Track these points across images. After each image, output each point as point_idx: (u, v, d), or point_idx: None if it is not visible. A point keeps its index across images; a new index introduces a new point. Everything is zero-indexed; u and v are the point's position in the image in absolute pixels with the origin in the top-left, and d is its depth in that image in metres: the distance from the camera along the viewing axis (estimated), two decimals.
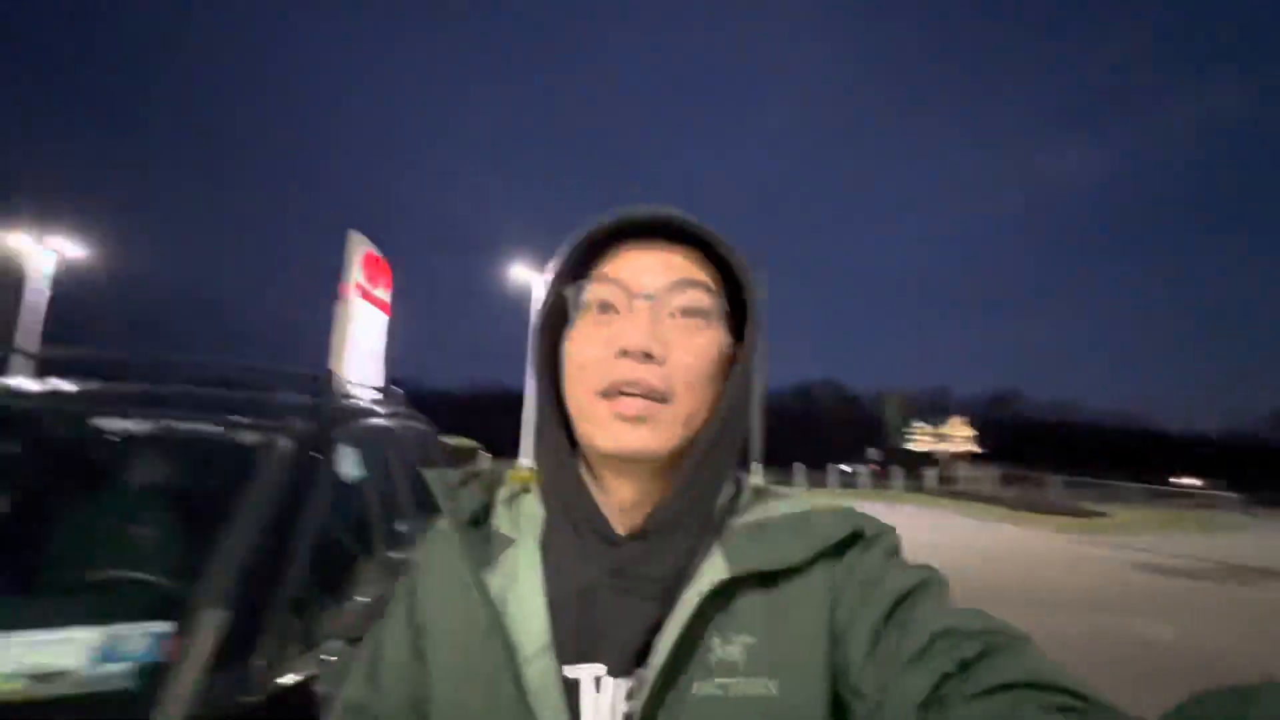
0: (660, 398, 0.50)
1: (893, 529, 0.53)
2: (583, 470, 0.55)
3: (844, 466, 34.52)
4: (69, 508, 1.46)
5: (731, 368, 0.54)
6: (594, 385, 0.51)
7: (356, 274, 10.37)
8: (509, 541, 0.56)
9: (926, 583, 0.48)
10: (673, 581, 0.50)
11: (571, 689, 0.49)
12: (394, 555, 1.60)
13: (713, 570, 0.49)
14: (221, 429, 1.43)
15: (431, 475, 0.61)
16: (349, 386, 2.04)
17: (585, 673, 0.49)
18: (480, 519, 0.58)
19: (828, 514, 0.53)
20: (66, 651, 0.86)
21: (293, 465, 1.33)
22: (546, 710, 0.47)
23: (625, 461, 0.51)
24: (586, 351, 0.52)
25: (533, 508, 0.59)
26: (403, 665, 0.55)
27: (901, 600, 0.46)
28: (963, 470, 34.28)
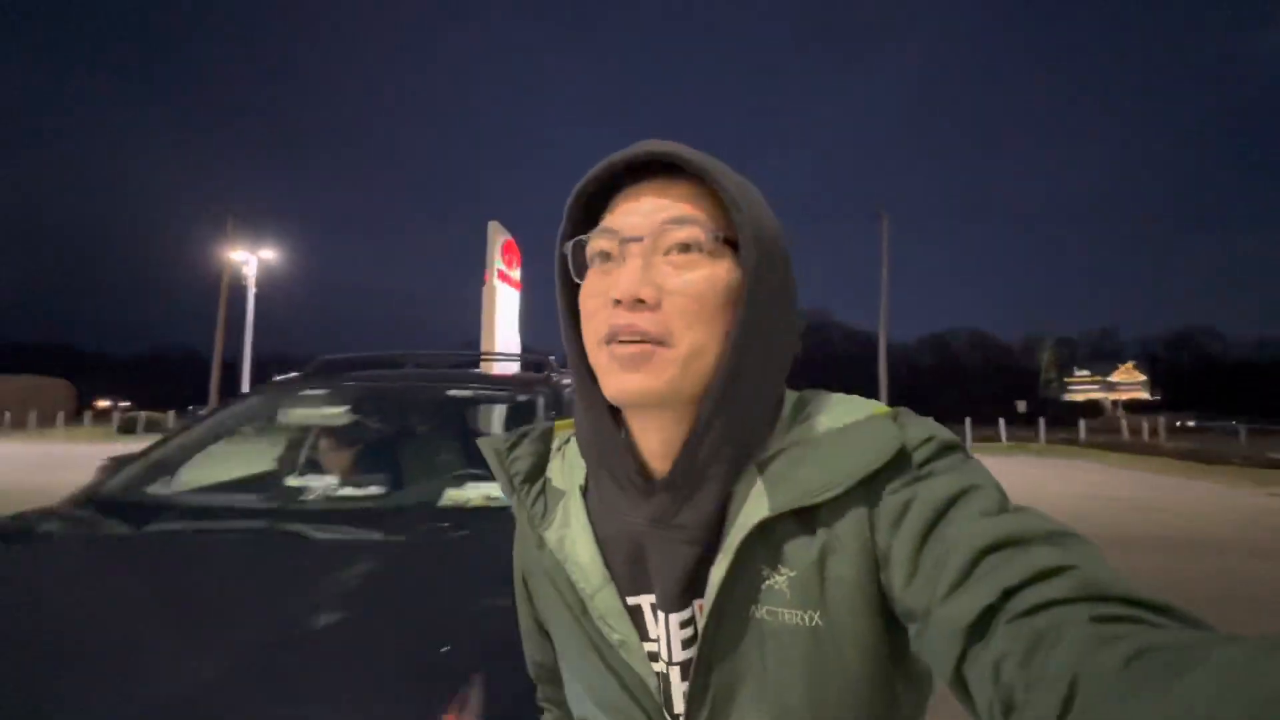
0: (657, 341, 0.49)
1: (940, 429, 0.49)
2: (621, 421, 0.56)
3: None
4: (443, 438, 2.70)
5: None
6: (597, 335, 0.51)
7: (497, 260, 11.77)
8: (561, 493, 0.60)
9: (968, 489, 0.44)
10: (714, 524, 0.51)
11: (635, 614, 0.55)
12: None
13: (753, 510, 0.49)
14: (510, 394, 2.58)
15: (483, 444, 0.64)
16: (553, 363, 3.15)
17: (644, 600, 0.55)
18: (538, 473, 0.63)
19: (869, 428, 0.49)
20: (493, 488, 1.99)
21: (545, 414, 2.41)
22: (617, 634, 0.55)
23: (637, 407, 0.52)
24: (590, 303, 0.53)
25: (577, 455, 0.62)
26: (525, 599, 0.67)
27: (943, 511, 0.43)
28: (1128, 421, 30.93)
